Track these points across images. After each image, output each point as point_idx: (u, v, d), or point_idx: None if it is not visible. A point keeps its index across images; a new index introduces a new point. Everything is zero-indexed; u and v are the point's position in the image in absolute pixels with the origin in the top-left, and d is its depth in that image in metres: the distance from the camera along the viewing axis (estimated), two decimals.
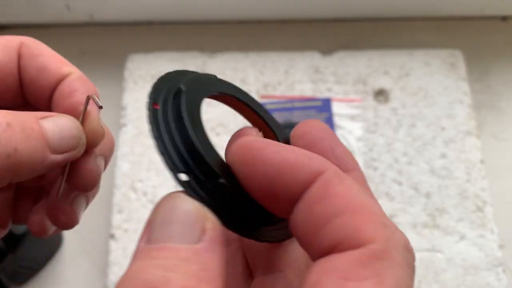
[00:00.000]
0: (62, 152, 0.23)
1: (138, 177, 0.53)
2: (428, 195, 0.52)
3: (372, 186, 0.52)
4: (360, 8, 0.62)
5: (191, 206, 0.18)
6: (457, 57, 0.59)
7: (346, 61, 0.59)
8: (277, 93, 0.57)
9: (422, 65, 0.58)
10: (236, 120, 0.55)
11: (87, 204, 0.28)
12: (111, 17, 0.62)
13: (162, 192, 0.56)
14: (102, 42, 0.62)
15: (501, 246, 0.50)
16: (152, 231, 0.17)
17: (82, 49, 0.62)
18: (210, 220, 0.17)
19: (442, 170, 0.53)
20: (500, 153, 0.57)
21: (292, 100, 0.56)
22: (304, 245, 0.18)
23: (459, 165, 0.53)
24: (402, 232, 0.17)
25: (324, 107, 0.56)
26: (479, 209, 0.51)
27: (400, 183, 0.53)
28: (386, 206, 0.52)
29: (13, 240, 0.45)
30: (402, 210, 0.52)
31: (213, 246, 0.17)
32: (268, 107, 0.56)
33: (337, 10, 0.62)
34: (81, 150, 0.24)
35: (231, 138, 0.23)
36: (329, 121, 0.55)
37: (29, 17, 0.61)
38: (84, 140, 0.24)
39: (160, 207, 0.18)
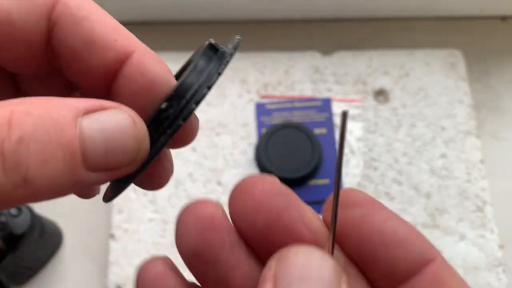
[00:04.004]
0: (107, 170, 0.16)
1: None
2: (428, 195, 0.52)
3: (372, 186, 0.52)
4: (360, 8, 0.62)
5: (331, 264, 0.16)
6: (457, 57, 0.59)
7: (346, 61, 0.59)
8: (277, 93, 0.57)
9: (422, 65, 0.58)
10: (237, 121, 0.55)
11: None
12: None
13: (162, 192, 0.56)
14: None
15: (501, 246, 0.50)
16: (282, 286, 0.15)
17: None
18: (344, 280, 0.16)
19: (442, 170, 0.53)
20: (500, 153, 0.57)
21: (292, 100, 0.56)
22: None
23: (459, 165, 0.53)
24: None
25: (324, 107, 0.56)
26: (479, 209, 0.51)
27: (400, 183, 0.53)
28: (386, 206, 0.52)
29: (13, 240, 0.45)
30: (402, 210, 0.52)
31: None
32: (268, 107, 0.56)
33: (337, 10, 0.62)
34: (137, 165, 0.17)
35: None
36: (329, 121, 0.55)
37: None
38: (144, 153, 0.17)
39: (290, 261, 0.16)
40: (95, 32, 0.18)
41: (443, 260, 0.17)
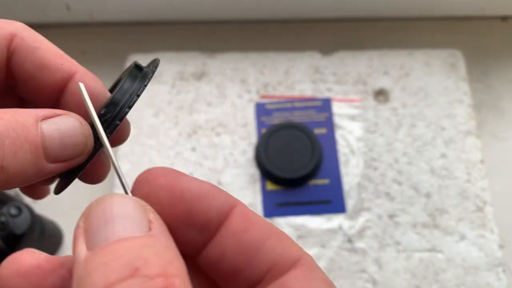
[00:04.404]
0: (63, 161, 0.21)
1: None
2: (428, 195, 0.52)
3: (372, 186, 0.52)
4: (360, 8, 0.62)
5: (132, 200, 0.18)
6: (457, 57, 0.59)
7: (346, 61, 0.59)
8: (277, 93, 0.57)
9: (422, 65, 0.58)
10: (237, 121, 0.55)
11: None
12: (111, 17, 0.62)
13: None
14: (102, 42, 0.62)
15: (501, 246, 0.50)
16: (91, 235, 0.16)
17: (82, 49, 0.62)
18: (151, 211, 0.18)
19: (442, 170, 0.53)
20: (500, 153, 0.57)
21: (292, 100, 0.56)
22: (230, 276, 0.18)
23: (459, 165, 0.53)
24: None
25: (324, 107, 0.56)
26: (479, 209, 0.52)
27: (400, 183, 0.53)
28: (386, 206, 0.52)
29: (13, 240, 0.45)
30: (402, 210, 0.52)
31: (164, 232, 0.17)
32: (268, 107, 0.56)
33: (337, 10, 0.62)
34: (85, 156, 0.22)
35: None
36: (329, 121, 0.55)
37: (29, 17, 0.61)
38: (90, 147, 0.22)
39: (93, 212, 0.17)
40: (46, 58, 0.23)
41: (244, 205, 0.19)
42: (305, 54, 0.59)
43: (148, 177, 0.19)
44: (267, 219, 0.50)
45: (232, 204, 0.19)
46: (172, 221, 0.18)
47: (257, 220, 0.19)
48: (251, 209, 0.20)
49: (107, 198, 0.17)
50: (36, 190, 0.28)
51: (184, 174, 0.19)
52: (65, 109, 0.22)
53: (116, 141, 0.26)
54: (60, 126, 0.21)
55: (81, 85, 0.22)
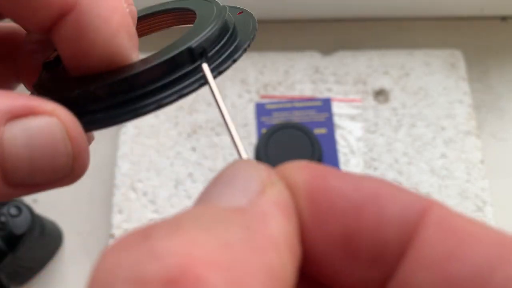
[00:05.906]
0: (32, 186, 0.14)
1: (138, 177, 0.53)
2: (428, 195, 0.52)
3: None
4: (360, 8, 0.62)
5: (251, 164, 0.13)
6: (457, 57, 0.59)
7: (346, 61, 0.59)
8: (277, 93, 0.57)
9: (422, 65, 0.58)
10: (237, 121, 0.55)
11: None
12: None
13: (162, 192, 0.56)
14: None
15: None
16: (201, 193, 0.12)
17: None
18: (274, 184, 0.12)
19: (442, 170, 0.53)
20: (500, 153, 0.57)
21: (292, 100, 0.56)
22: None
23: (459, 165, 0.53)
24: None
25: (324, 107, 0.56)
26: (479, 209, 0.52)
27: (400, 183, 0.53)
28: None
29: (13, 240, 0.45)
30: None
31: (269, 211, 0.11)
32: (268, 107, 0.56)
33: (337, 10, 0.62)
34: (72, 180, 0.14)
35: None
36: (329, 121, 0.55)
37: None
38: (83, 168, 0.14)
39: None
40: None
41: (442, 206, 0.12)
42: (305, 54, 0.59)
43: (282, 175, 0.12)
44: None
45: (421, 209, 0.12)
46: (318, 248, 0.11)
47: (475, 231, 0.11)
48: None
49: (236, 161, 0.13)
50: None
51: (330, 169, 0.12)
52: (60, 46, 0.15)
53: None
54: (34, 139, 0.13)
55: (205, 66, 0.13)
